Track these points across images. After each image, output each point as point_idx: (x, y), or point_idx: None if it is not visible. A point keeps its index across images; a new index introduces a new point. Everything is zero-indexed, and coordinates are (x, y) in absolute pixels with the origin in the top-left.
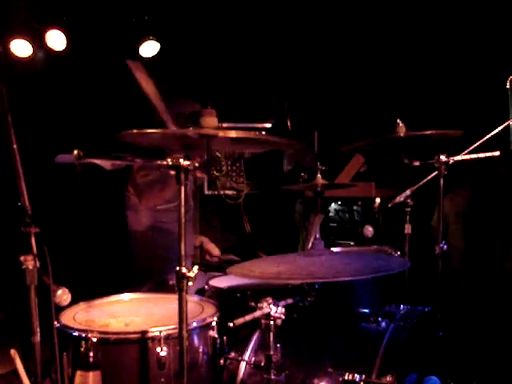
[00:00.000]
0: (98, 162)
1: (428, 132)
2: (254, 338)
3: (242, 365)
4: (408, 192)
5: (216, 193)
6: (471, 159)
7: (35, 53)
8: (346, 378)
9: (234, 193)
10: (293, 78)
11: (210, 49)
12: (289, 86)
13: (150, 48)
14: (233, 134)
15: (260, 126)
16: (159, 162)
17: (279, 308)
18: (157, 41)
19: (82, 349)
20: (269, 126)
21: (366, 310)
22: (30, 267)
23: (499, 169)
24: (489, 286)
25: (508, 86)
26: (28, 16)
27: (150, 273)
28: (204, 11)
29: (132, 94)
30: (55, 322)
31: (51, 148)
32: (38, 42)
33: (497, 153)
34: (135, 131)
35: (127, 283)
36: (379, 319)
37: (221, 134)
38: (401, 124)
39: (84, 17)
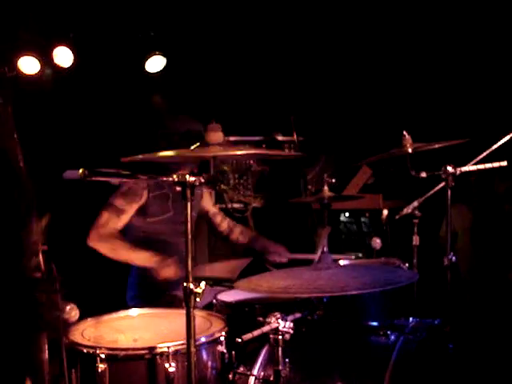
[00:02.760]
0: (104, 179)
1: (436, 146)
2: (263, 352)
3: (251, 380)
4: (415, 203)
5: (224, 206)
6: (478, 170)
7: (43, 69)
8: None
9: (242, 206)
10: (299, 92)
11: (216, 63)
12: (295, 99)
13: (156, 63)
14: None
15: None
16: (165, 179)
17: (287, 323)
18: (163, 56)
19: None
20: (280, 138)
21: (375, 323)
22: None
23: (498, 187)
24: (496, 297)
25: None
26: (35, 33)
27: (147, 286)
28: (210, 26)
29: (138, 110)
30: (64, 339)
31: (59, 164)
32: (46, 58)
33: (504, 163)
34: (140, 156)
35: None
36: (388, 332)
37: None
38: (407, 136)
39: (91, 33)
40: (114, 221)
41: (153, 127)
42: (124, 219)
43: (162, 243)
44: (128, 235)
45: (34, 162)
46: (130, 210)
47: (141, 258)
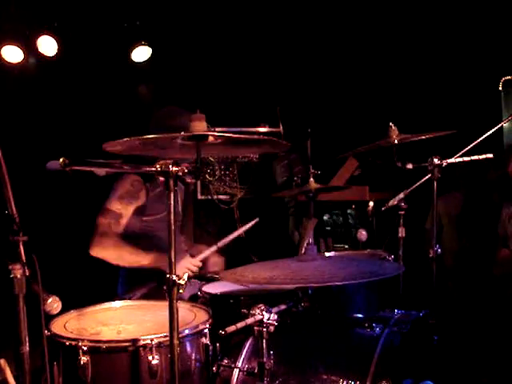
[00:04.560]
0: (85, 169)
1: (422, 137)
2: (247, 344)
3: (235, 372)
4: (401, 195)
5: (209, 197)
6: (464, 162)
7: (26, 59)
8: None
9: (228, 197)
10: (285, 83)
11: (202, 53)
12: (281, 90)
13: (141, 53)
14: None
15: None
16: (148, 169)
17: (272, 315)
18: (149, 46)
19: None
20: (263, 130)
21: (360, 316)
22: (19, 276)
23: (489, 175)
24: (480, 290)
25: (500, 88)
26: (19, 22)
27: (140, 279)
28: (196, 16)
29: (124, 100)
30: (45, 331)
31: (42, 154)
32: (30, 47)
33: (490, 155)
34: (124, 140)
35: (118, 290)
36: (373, 325)
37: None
38: (393, 127)
39: (75, 22)
40: (114, 226)
41: (143, 119)
42: (123, 223)
43: (157, 240)
44: (123, 232)
45: (17, 151)
46: (128, 212)
47: (149, 260)
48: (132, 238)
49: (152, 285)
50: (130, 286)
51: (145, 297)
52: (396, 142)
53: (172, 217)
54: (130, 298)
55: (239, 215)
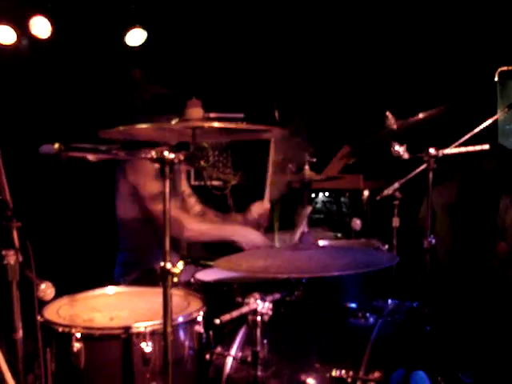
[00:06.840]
0: (80, 155)
1: (420, 115)
2: (241, 333)
3: (229, 360)
4: (396, 185)
5: (202, 183)
6: (460, 152)
7: (19, 40)
8: (334, 374)
9: (221, 183)
10: (281, 69)
11: (197, 38)
12: (277, 77)
13: (136, 36)
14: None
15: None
16: (143, 155)
17: (266, 304)
18: (144, 29)
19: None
20: (241, 116)
21: (354, 305)
22: (12, 262)
23: (485, 165)
24: (475, 280)
25: (496, 79)
26: (12, 1)
27: (137, 263)
28: (192, 0)
29: (117, 83)
30: (39, 317)
31: (35, 138)
32: (22, 29)
33: (486, 146)
34: (121, 128)
35: (113, 274)
36: (367, 315)
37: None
38: (390, 116)
39: (69, 4)
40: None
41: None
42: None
43: (153, 221)
44: (124, 217)
45: (9, 135)
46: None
47: (229, 232)
48: (132, 220)
49: (144, 269)
50: (127, 270)
51: (136, 280)
52: (395, 127)
53: (167, 204)
54: (123, 282)
55: (233, 201)
